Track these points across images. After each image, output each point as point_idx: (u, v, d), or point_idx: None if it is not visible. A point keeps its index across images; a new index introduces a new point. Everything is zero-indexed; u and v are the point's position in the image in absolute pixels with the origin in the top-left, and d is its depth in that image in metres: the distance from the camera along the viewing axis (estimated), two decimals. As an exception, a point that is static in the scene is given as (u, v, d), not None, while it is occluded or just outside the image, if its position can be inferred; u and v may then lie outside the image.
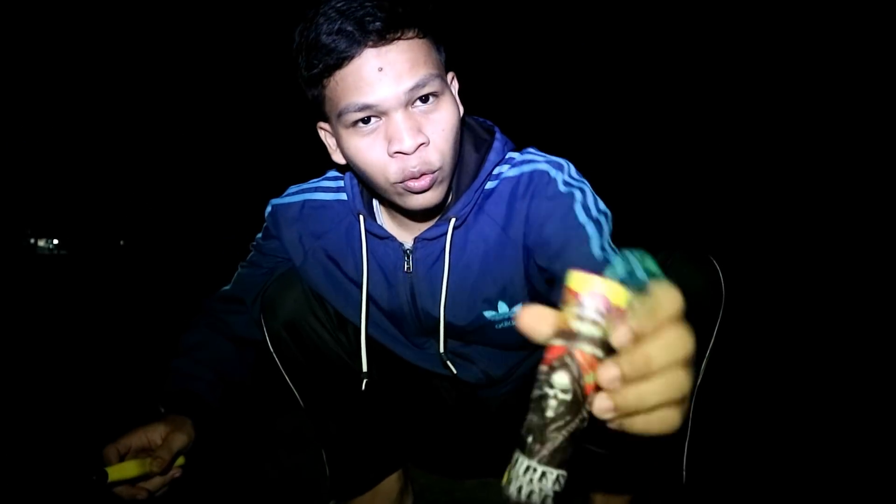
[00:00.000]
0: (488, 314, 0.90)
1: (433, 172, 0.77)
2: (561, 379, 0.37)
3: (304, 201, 0.98)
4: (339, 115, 0.76)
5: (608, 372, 0.35)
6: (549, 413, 0.38)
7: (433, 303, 0.90)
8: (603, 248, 0.78)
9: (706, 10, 6.80)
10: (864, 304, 3.41)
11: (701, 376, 0.93)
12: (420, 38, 0.76)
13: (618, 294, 0.37)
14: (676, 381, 0.36)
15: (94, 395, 1.96)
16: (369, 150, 0.77)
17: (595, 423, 0.38)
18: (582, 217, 0.80)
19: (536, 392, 0.38)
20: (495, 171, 0.88)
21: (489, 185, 0.88)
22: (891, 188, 5.64)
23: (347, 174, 0.93)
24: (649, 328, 0.35)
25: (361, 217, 0.90)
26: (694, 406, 0.95)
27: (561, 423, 0.37)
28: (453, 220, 0.85)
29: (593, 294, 0.37)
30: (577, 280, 0.38)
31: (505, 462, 0.40)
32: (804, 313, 3.22)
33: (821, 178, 6.32)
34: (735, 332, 1.08)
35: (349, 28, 0.72)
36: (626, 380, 0.35)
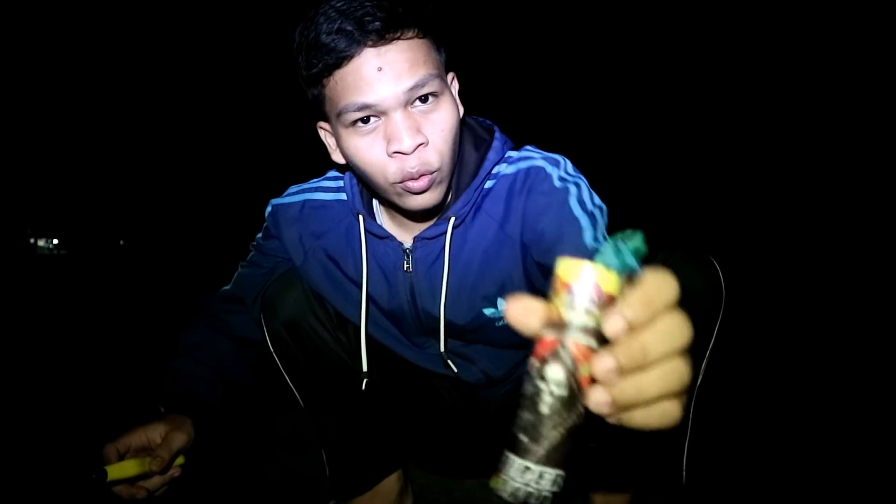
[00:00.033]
0: (488, 311, 0.90)
1: (432, 173, 0.77)
2: (555, 372, 0.35)
3: (305, 201, 0.98)
4: (339, 114, 0.76)
5: (604, 363, 0.33)
6: (544, 409, 0.36)
7: (433, 302, 0.90)
8: (597, 240, 0.78)
9: (706, 10, 6.80)
10: (865, 304, 3.41)
11: (701, 376, 0.93)
12: (420, 38, 0.76)
13: (609, 281, 0.35)
14: (675, 371, 0.34)
15: (94, 394, 1.96)
16: (368, 149, 0.77)
17: (592, 419, 0.36)
18: (577, 210, 0.81)
19: (529, 388, 0.36)
20: (494, 170, 0.88)
21: (488, 183, 0.88)
22: (891, 188, 5.64)
23: (347, 174, 0.93)
24: (644, 316, 0.33)
25: (361, 217, 0.91)
26: (694, 406, 0.95)
27: (557, 419, 0.36)
28: (453, 220, 0.85)
29: (584, 282, 0.35)
30: (566, 268, 0.36)
31: None
32: (804, 313, 3.22)
33: (821, 178, 6.32)
34: (735, 332, 1.08)
35: (349, 28, 0.72)
36: (622, 371, 0.33)
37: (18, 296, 5.17)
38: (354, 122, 0.76)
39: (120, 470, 0.78)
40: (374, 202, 0.94)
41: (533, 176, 0.86)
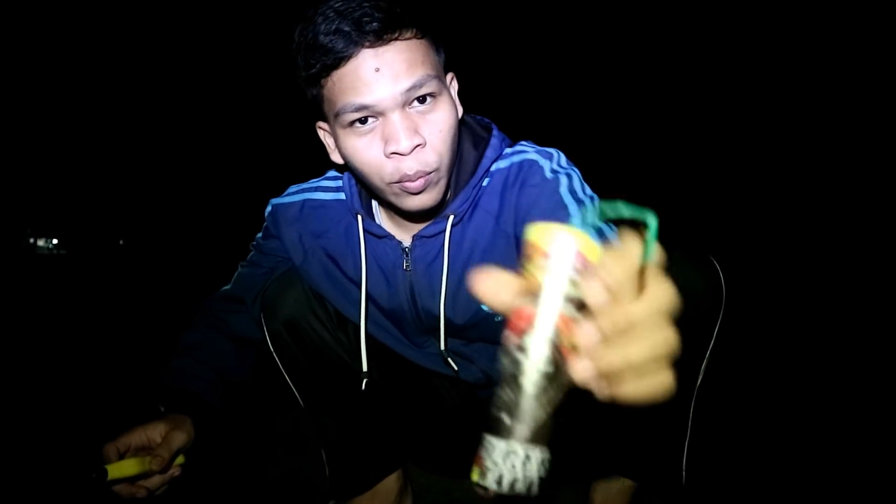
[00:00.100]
0: (486, 307, 0.90)
1: (429, 173, 0.78)
2: (535, 344, 0.32)
3: (304, 201, 0.98)
4: (337, 115, 0.76)
5: (586, 332, 0.31)
6: (526, 384, 0.32)
7: (433, 300, 0.90)
8: (586, 227, 0.78)
9: (706, 10, 6.80)
10: (865, 304, 3.41)
11: (701, 376, 0.93)
12: (418, 38, 0.76)
13: (587, 245, 0.32)
14: (662, 338, 0.32)
15: (94, 394, 1.96)
16: (366, 150, 0.77)
17: (581, 396, 0.33)
18: (567, 198, 0.81)
19: (507, 364, 0.33)
20: (492, 168, 0.89)
21: (485, 181, 0.88)
22: (891, 188, 5.64)
23: (346, 174, 0.93)
24: (626, 282, 0.31)
25: (359, 217, 0.91)
26: (694, 406, 0.95)
27: (540, 394, 0.32)
28: (451, 218, 0.86)
29: (561, 247, 0.32)
30: (540, 233, 0.33)
31: None
32: (804, 313, 3.22)
33: (821, 178, 6.32)
34: (735, 332, 1.08)
35: (346, 28, 0.72)
36: (607, 340, 0.31)
37: (18, 296, 5.16)
38: (352, 123, 0.76)
39: (120, 469, 0.79)
40: (373, 202, 0.94)
41: (526, 169, 0.86)
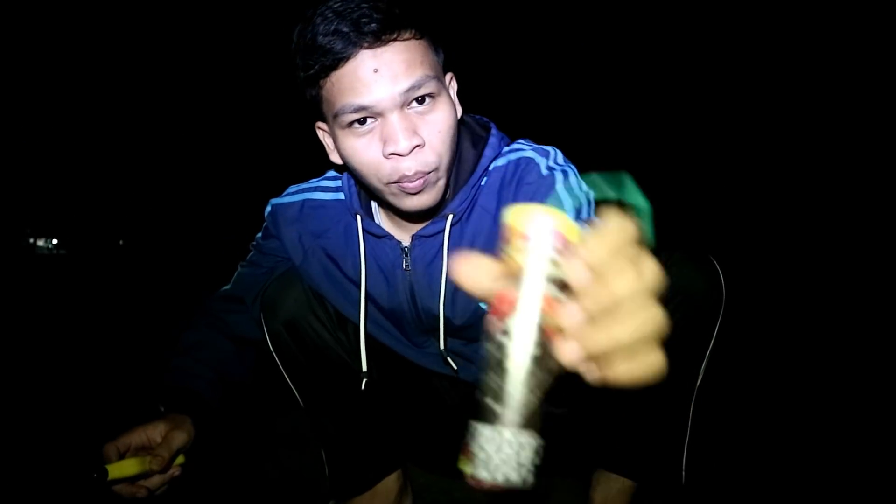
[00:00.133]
0: (485, 304, 0.90)
1: (428, 173, 0.78)
2: (518, 327, 0.32)
3: (304, 201, 0.98)
4: (336, 115, 0.76)
5: (570, 313, 0.31)
6: (512, 369, 0.32)
7: (432, 300, 0.90)
8: (581, 222, 0.78)
9: (705, 10, 6.80)
10: (865, 304, 3.41)
11: (701, 376, 0.93)
12: (417, 39, 0.76)
13: (566, 225, 0.32)
14: (649, 316, 0.31)
15: (94, 394, 1.96)
16: (365, 150, 0.77)
17: (573, 381, 0.32)
18: (563, 194, 0.81)
19: (492, 349, 0.32)
20: (491, 167, 0.89)
21: (483, 180, 0.89)
22: (891, 188, 5.64)
23: (345, 174, 0.94)
24: (609, 260, 0.30)
25: (358, 217, 0.91)
26: (694, 406, 0.95)
27: (528, 378, 0.32)
28: (450, 217, 0.86)
29: (540, 227, 0.31)
30: (518, 215, 0.32)
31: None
32: (804, 313, 3.22)
33: (821, 178, 6.32)
34: (735, 332, 1.08)
35: (345, 29, 0.72)
36: (592, 320, 0.30)
37: (18, 295, 5.16)
38: (351, 124, 0.76)
39: (120, 469, 0.79)
40: (372, 202, 0.95)
41: (523, 166, 0.87)
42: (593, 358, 0.31)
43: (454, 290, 0.89)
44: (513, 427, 0.32)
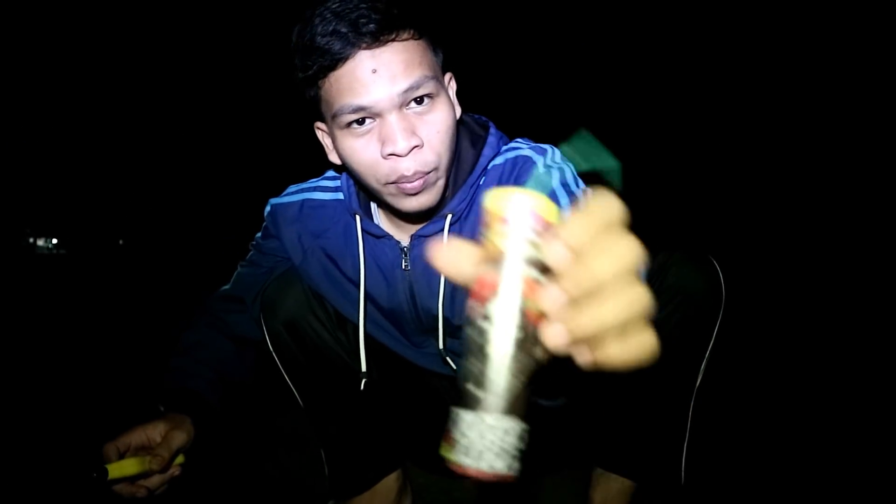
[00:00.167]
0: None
1: (427, 173, 0.78)
2: (499, 311, 0.31)
3: (303, 201, 0.99)
4: (334, 115, 0.76)
5: (552, 295, 0.30)
6: (495, 353, 0.31)
7: (431, 299, 0.90)
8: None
9: (705, 10, 6.81)
10: (865, 304, 3.41)
11: (701, 376, 0.93)
12: (416, 39, 0.76)
13: (545, 206, 0.31)
14: (633, 295, 0.30)
15: (94, 394, 1.96)
16: (363, 151, 0.77)
17: (564, 366, 0.32)
18: (559, 191, 0.81)
19: (473, 334, 0.32)
20: (489, 166, 0.89)
21: (482, 179, 0.89)
22: (891, 188, 5.64)
23: (344, 174, 0.94)
24: (588, 240, 0.30)
25: (358, 217, 0.91)
26: (693, 406, 0.95)
27: (509, 363, 0.31)
28: (449, 217, 0.86)
29: (519, 210, 0.31)
30: (496, 199, 0.32)
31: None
32: (804, 313, 3.22)
33: (821, 178, 6.32)
34: (735, 332, 1.08)
35: (343, 29, 0.72)
36: (574, 302, 0.30)
37: (18, 295, 5.16)
38: (349, 124, 0.76)
39: (120, 469, 0.79)
40: (372, 201, 0.95)
41: (520, 164, 0.87)
42: (581, 340, 0.30)
43: (453, 290, 0.89)
44: (495, 412, 0.31)
